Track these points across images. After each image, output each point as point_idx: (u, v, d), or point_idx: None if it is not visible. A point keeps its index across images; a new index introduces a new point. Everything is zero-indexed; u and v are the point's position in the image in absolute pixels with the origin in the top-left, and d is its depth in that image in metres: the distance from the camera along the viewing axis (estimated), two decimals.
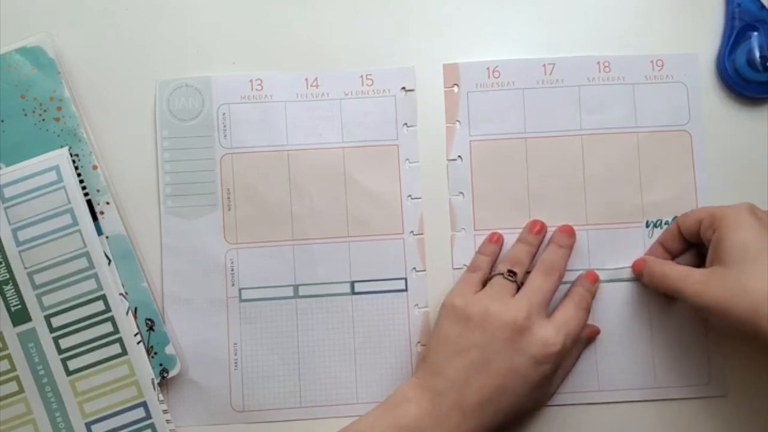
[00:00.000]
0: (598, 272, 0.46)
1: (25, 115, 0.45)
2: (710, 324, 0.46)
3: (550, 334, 0.41)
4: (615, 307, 0.46)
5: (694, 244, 0.44)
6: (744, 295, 0.38)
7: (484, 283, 0.44)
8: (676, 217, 0.46)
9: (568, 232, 0.45)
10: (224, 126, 0.47)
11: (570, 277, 0.46)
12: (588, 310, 0.44)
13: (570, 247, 0.45)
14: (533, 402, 0.42)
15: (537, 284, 0.43)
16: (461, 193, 0.47)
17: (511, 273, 0.43)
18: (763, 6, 0.47)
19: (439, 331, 0.42)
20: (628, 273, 0.46)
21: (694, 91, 0.47)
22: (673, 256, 0.45)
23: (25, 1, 0.47)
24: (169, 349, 0.45)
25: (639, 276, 0.46)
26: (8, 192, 0.44)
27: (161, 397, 0.44)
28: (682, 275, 0.41)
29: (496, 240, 0.46)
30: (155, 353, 0.45)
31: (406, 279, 0.46)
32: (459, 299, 0.42)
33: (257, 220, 0.46)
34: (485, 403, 0.40)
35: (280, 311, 0.46)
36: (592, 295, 0.45)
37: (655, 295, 0.46)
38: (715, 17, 0.48)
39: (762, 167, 0.47)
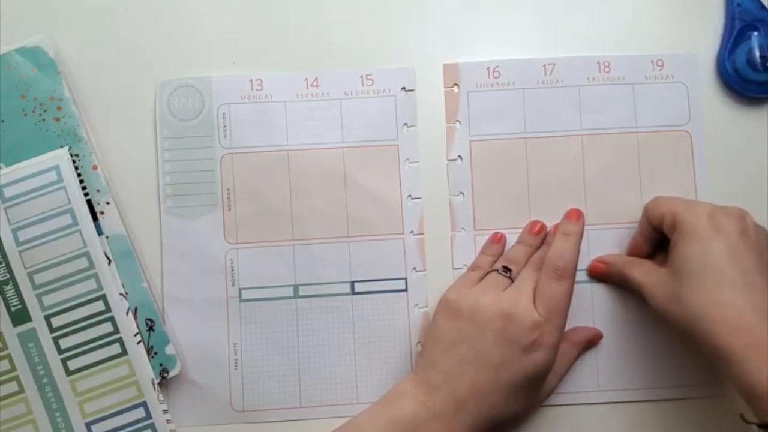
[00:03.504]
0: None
1: (25, 115, 0.45)
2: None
3: (534, 316, 0.40)
4: (615, 307, 0.46)
5: None
6: (679, 305, 0.39)
7: None
8: None
9: (575, 217, 0.44)
10: (224, 126, 0.47)
11: None
12: (568, 276, 0.41)
13: (576, 235, 0.43)
14: (528, 401, 0.42)
15: (528, 275, 0.43)
16: (461, 193, 0.47)
17: (506, 269, 0.44)
18: (763, 6, 0.47)
19: (434, 326, 0.43)
20: None
21: (694, 91, 0.47)
22: (653, 245, 0.45)
23: (25, 1, 0.47)
24: (169, 349, 0.45)
25: (599, 278, 0.46)
26: (8, 192, 0.44)
27: (161, 397, 0.44)
28: (644, 273, 0.43)
29: (498, 240, 0.46)
30: (155, 353, 0.45)
31: (406, 279, 0.46)
32: (453, 294, 0.43)
33: (257, 220, 0.46)
34: (479, 395, 0.40)
35: (280, 311, 0.46)
36: (574, 248, 0.42)
37: None
38: (715, 17, 0.48)
39: (762, 167, 0.47)
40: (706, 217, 0.40)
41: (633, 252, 0.45)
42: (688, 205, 0.42)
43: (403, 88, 0.47)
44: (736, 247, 0.39)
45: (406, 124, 0.47)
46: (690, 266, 0.39)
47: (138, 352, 0.44)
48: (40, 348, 0.44)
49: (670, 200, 0.43)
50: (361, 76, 0.47)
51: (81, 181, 0.45)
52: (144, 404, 0.44)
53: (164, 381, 0.45)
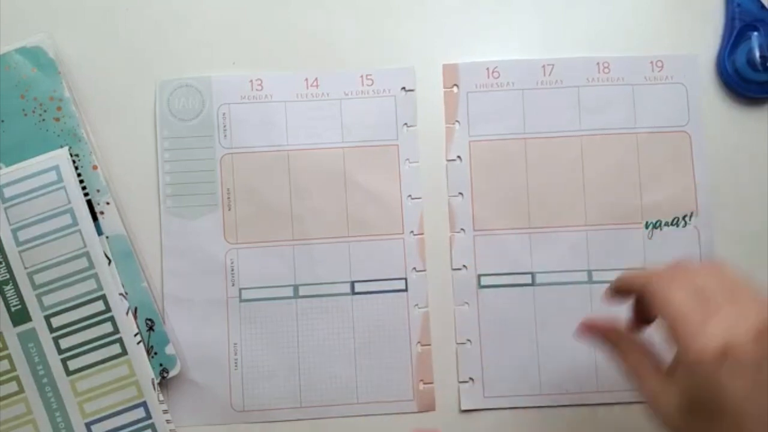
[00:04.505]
0: (596, 273, 0.46)
1: (25, 115, 0.45)
2: None
3: None
4: (614, 308, 0.46)
5: None
6: None
7: None
8: (676, 217, 0.46)
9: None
10: (224, 126, 0.47)
11: (571, 278, 0.46)
12: None
13: None
14: None
15: None
16: (460, 193, 0.47)
17: None
18: (763, 6, 0.47)
19: None
20: None
21: (694, 92, 0.47)
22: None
23: (25, 1, 0.47)
24: (169, 349, 0.45)
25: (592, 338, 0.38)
26: (8, 192, 0.44)
27: (161, 397, 0.44)
28: (640, 366, 0.34)
29: None
30: (155, 353, 0.45)
31: (406, 279, 0.46)
32: None
33: (257, 220, 0.46)
34: None
35: (280, 311, 0.46)
36: None
37: None
38: (715, 17, 0.48)
39: (762, 167, 0.47)
40: (713, 342, 0.29)
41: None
42: (683, 312, 0.31)
43: (403, 88, 0.47)
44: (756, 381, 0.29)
45: (406, 124, 0.47)
46: (704, 407, 0.30)
47: (138, 352, 0.44)
48: (40, 348, 0.44)
49: (666, 305, 0.32)
50: (361, 76, 0.47)
51: (81, 181, 0.45)
52: (144, 404, 0.44)
53: (164, 381, 0.45)
